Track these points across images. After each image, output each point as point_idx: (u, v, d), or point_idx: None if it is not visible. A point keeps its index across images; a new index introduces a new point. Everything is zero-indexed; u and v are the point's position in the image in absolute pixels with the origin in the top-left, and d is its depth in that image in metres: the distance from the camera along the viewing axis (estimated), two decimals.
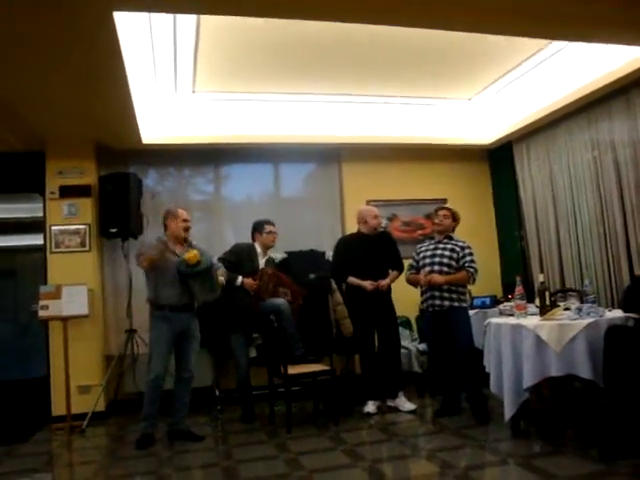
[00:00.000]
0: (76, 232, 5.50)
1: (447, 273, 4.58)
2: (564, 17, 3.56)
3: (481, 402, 4.43)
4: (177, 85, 5.22)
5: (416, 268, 4.80)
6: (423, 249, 4.83)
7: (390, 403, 4.99)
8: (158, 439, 4.37)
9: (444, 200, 6.62)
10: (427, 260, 4.71)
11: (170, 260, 4.29)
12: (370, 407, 4.91)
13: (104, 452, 4.40)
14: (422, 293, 4.78)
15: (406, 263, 5.00)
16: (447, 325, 4.58)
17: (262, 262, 5.14)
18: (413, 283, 4.85)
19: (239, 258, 5.02)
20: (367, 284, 4.87)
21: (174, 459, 3.99)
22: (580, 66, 5.02)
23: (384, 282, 4.89)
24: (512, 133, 6.29)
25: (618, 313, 3.95)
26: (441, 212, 4.80)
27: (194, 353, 4.52)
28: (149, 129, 5.53)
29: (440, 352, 4.69)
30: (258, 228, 5.20)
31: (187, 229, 4.46)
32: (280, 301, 5.01)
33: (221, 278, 4.55)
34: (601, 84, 4.94)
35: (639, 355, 3.34)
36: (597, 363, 3.52)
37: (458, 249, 4.65)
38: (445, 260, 4.62)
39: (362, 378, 5.12)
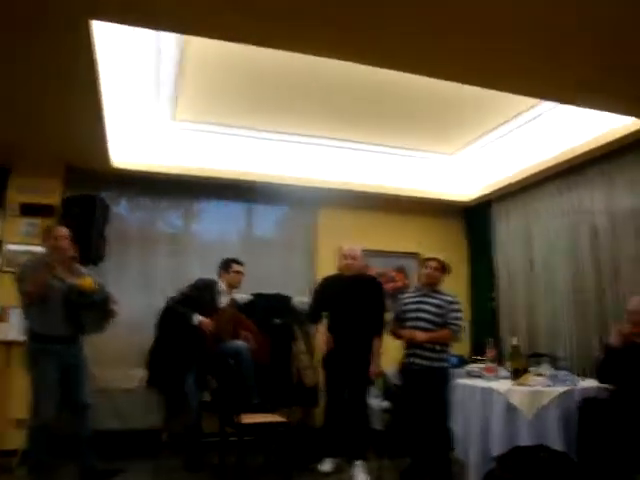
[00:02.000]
0: (32, 253, 5.19)
1: (431, 330, 4.31)
2: (547, 76, 3.53)
3: (446, 468, 4.14)
4: (156, 111, 5.06)
5: (400, 320, 4.51)
6: (407, 300, 4.56)
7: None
8: None
9: (416, 254, 6.52)
10: (412, 314, 4.42)
11: (56, 286, 3.83)
12: (327, 465, 4.54)
13: None
14: (405, 348, 4.48)
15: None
16: (423, 385, 4.26)
17: (224, 301, 4.92)
18: (396, 336, 4.54)
19: (200, 294, 4.81)
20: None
21: None
22: (562, 131, 5.03)
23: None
24: (492, 192, 6.27)
25: (592, 382, 3.81)
26: (432, 263, 4.50)
27: (87, 384, 4.07)
28: (122, 154, 5.34)
29: (410, 412, 4.37)
30: (225, 266, 5.04)
31: (60, 248, 3.92)
32: (241, 344, 4.80)
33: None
34: (579, 152, 4.97)
35: (615, 429, 3.17)
36: (570, 434, 3.36)
37: (445, 304, 4.38)
38: (430, 316, 4.35)
39: (323, 431, 4.76)
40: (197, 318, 4.68)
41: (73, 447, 4.02)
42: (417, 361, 4.33)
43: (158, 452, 5.09)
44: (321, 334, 4.72)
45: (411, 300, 4.52)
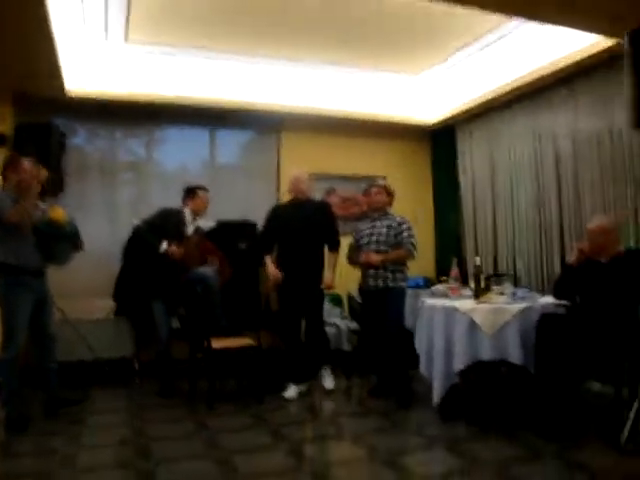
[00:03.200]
0: None
1: (385, 251, 4.43)
2: None
3: (404, 385, 4.32)
4: (108, 32, 4.78)
5: (357, 248, 4.62)
6: (361, 229, 4.68)
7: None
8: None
9: (383, 177, 6.49)
10: (365, 240, 4.55)
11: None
12: (292, 392, 4.62)
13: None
14: (362, 273, 4.61)
15: (344, 241, 4.82)
16: (380, 305, 4.42)
17: (190, 229, 4.88)
18: (354, 263, 4.67)
19: (164, 223, 4.75)
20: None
21: (82, 436, 3.71)
22: (527, 53, 4.96)
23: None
24: (455, 115, 6.20)
25: (550, 299, 3.94)
26: (373, 189, 4.64)
27: (52, 317, 4.08)
28: (76, 79, 5.06)
29: (372, 332, 4.57)
30: (190, 193, 4.97)
31: (26, 185, 3.72)
32: (208, 270, 4.81)
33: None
34: (545, 72, 4.89)
35: (570, 343, 3.32)
36: (528, 349, 3.51)
37: (395, 224, 4.49)
38: (382, 238, 4.46)
39: (284, 358, 4.85)
40: (164, 246, 4.65)
41: (39, 378, 4.04)
42: (371, 282, 4.47)
43: (131, 380, 5.17)
44: (269, 265, 4.73)
45: (364, 228, 4.64)
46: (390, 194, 4.67)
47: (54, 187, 5.09)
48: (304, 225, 4.68)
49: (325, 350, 4.85)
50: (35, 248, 3.82)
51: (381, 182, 4.84)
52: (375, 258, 4.39)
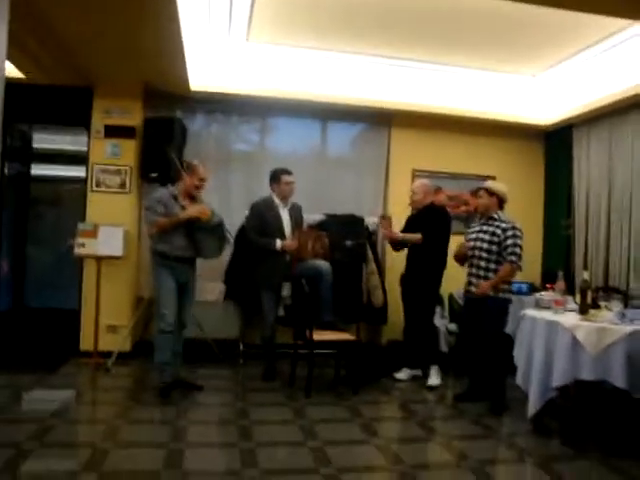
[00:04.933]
0: (117, 173, 5.50)
1: (487, 260, 4.40)
2: None
3: (499, 392, 4.30)
4: (231, 32, 5.05)
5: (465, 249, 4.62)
6: (470, 230, 4.66)
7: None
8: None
9: (492, 177, 6.39)
10: (471, 243, 4.53)
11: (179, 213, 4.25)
12: (403, 374, 5.09)
13: (126, 394, 4.47)
14: (467, 276, 4.61)
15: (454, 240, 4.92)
16: (482, 312, 4.39)
17: (283, 213, 5.01)
18: (460, 262, 4.68)
19: (262, 218, 4.92)
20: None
21: (191, 411, 4.06)
22: None
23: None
24: (575, 116, 5.95)
25: None
26: (480, 192, 4.57)
27: (191, 307, 4.51)
28: (198, 75, 5.41)
29: (470, 336, 4.57)
30: (274, 178, 5.02)
31: (199, 187, 4.38)
32: (323, 264, 4.94)
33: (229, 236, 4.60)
34: None
35: None
36: (634, 373, 3.38)
37: (500, 231, 4.38)
38: (485, 245, 4.41)
39: (402, 344, 5.28)
40: (278, 243, 4.84)
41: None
42: (474, 289, 4.45)
43: (235, 361, 5.52)
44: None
45: (472, 231, 4.62)
46: (495, 196, 4.50)
47: (175, 176, 5.49)
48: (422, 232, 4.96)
49: (433, 348, 5.09)
50: (185, 238, 4.28)
51: (488, 183, 4.74)
52: (485, 288, 4.36)
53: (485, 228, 4.48)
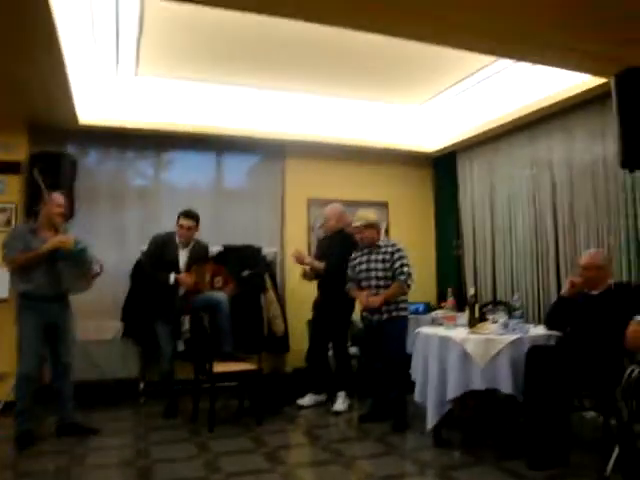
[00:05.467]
0: (2, 210, 5.22)
1: (384, 284, 4.54)
2: (509, 35, 3.57)
3: (400, 410, 4.43)
4: (119, 67, 5.01)
5: (354, 280, 4.74)
6: (357, 261, 4.75)
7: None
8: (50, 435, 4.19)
9: (385, 203, 6.67)
10: (363, 274, 4.66)
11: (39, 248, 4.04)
12: (307, 399, 5.13)
13: (14, 446, 4.09)
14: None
15: None
16: (382, 334, 4.53)
17: (182, 252, 4.94)
18: (352, 295, 4.82)
19: (161, 249, 4.87)
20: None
21: (88, 457, 3.85)
22: (526, 85, 5.12)
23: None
24: (457, 143, 6.37)
25: (542, 330, 4.05)
26: (358, 229, 4.68)
27: (70, 345, 4.29)
28: (88, 109, 5.27)
29: (372, 358, 4.70)
30: (177, 219, 4.97)
31: (59, 215, 4.20)
32: (220, 295, 4.93)
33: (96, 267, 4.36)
34: (541, 105, 5.07)
35: (557, 375, 3.43)
36: (518, 378, 3.61)
37: (388, 257, 4.58)
38: (380, 273, 4.57)
39: (306, 370, 5.33)
40: (172, 278, 4.78)
41: (55, 399, 4.26)
42: (376, 317, 4.58)
43: (136, 400, 5.31)
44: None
45: (360, 260, 4.73)
46: (374, 226, 4.70)
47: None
48: (329, 256, 5.17)
49: (344, 373, 5.11)
50: (47, 274, 4.05)
51: (363, 216, 4.75)
52: (375, 302, 4.51)
53: (374, 257, 4.64)
